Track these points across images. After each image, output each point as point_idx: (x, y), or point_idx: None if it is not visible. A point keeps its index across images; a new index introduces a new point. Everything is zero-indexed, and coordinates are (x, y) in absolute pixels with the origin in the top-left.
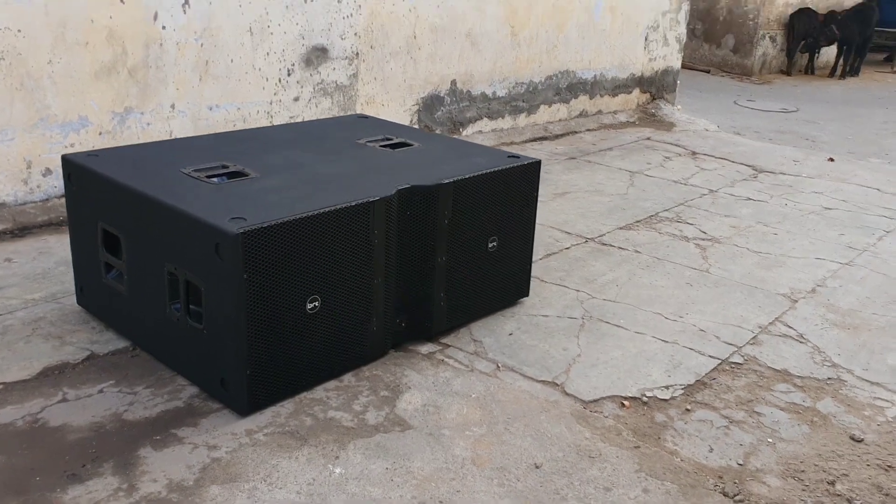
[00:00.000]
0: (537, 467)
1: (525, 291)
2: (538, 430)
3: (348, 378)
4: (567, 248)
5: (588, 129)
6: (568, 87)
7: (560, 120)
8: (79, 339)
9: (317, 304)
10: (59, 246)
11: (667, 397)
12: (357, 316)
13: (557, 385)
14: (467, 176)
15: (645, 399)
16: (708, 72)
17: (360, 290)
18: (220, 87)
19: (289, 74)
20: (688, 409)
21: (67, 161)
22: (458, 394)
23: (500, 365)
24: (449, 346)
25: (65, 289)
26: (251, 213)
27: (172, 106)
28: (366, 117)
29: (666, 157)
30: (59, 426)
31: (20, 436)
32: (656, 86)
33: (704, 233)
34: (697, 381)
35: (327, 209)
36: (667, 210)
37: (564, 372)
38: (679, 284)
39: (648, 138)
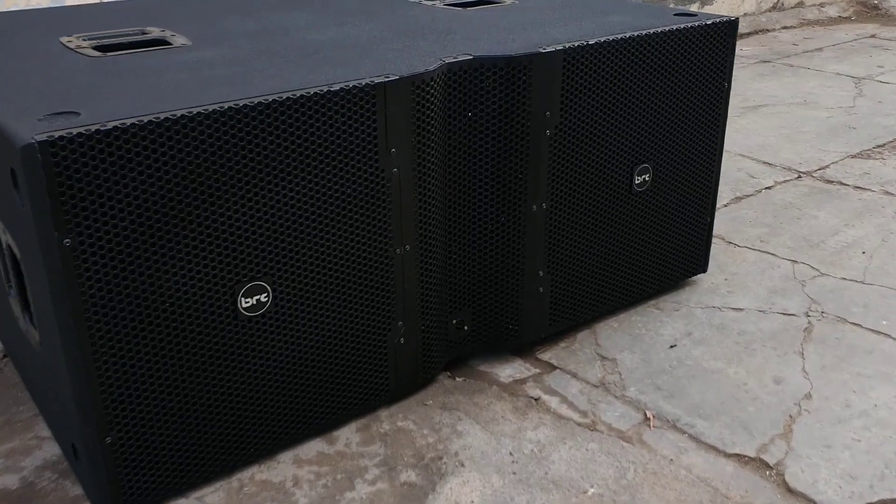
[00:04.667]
0: None
1: (701, 263)
2: None
3: (347, 435)
4: (769, 188)
5: (784, 27)
6: None
7: (745, 14)
8: None
9: (264, 296)
10: None
11: None
12: (361, 318)
13: (768, 466)
14: (591, 42)
15: None
16: None
17: (365, 268)
18: None
19: None
20: None
21: None
22: (558, 483)
23: (650, 414)
24: (553, 367)
25: None
26: (97, 107)
27: None
28: None
29: None
30: None
31: None
32: None
33: None
34: None
35: (270, 97)
36: None
37: (781, 436)
38: None
39: (873, 35)
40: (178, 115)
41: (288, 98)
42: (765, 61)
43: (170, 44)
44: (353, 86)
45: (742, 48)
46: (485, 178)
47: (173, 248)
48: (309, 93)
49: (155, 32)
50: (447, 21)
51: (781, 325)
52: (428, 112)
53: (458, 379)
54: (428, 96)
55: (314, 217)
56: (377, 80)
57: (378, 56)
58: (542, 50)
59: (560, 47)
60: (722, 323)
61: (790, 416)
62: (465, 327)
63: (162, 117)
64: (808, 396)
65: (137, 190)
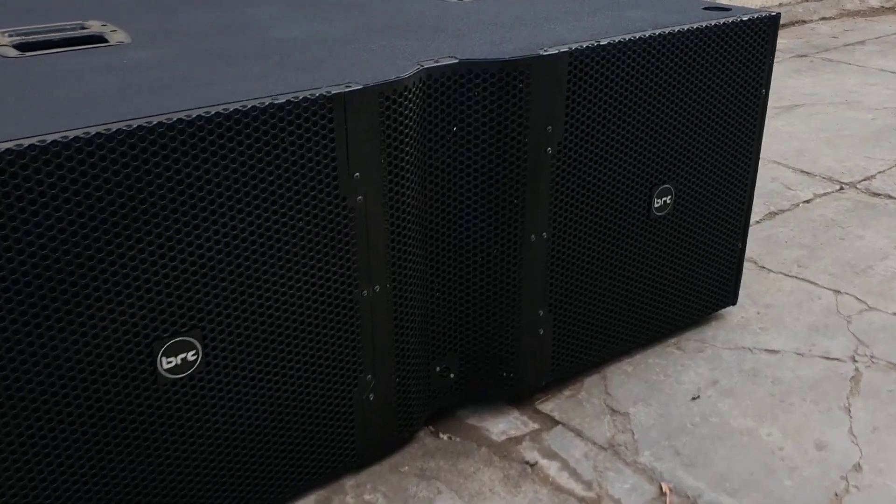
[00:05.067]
0: None
1: (730, 295)
2: None
3: None
4: (807, 202)
5: (823, 18)
6: None
7: (780, 4)
8: None
9: (192, 354)
10: None
11: None
12: (320, 374)
13: None
14: (603, 43)
15: None
16: None
17: (323, 315)
18: None
19: None
20: None
21: None
22: None
23: (666, 487)
24: (555, 421)
25: None
26: None
27: None
28: None
29: None
30: None
31: None
32: None
33: None
34: None
35: (194, 113)
36: None
37: None
38: None
39: None
40: (71, 136)
41: (217, 113)
42: (801, 56)
43: (106, 41)
44: (305, 98)
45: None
46: (474, 204)
47: (76, 298)
48: (245, 107)
49: (94, 27)
50: (438, 15)
51: (823, 371)
52: (401, 127)
53: (442, 436)
54: (401, 108)
55: (257, 256)
56: (335, 91)
57: (346, 59)
58: (542, 52)
59: (565, 49)
60: (753, 368)
61: (835, 495)
62: (452, 375)
63: (49, 140)
64: (858, 468)
65: (26, 226)
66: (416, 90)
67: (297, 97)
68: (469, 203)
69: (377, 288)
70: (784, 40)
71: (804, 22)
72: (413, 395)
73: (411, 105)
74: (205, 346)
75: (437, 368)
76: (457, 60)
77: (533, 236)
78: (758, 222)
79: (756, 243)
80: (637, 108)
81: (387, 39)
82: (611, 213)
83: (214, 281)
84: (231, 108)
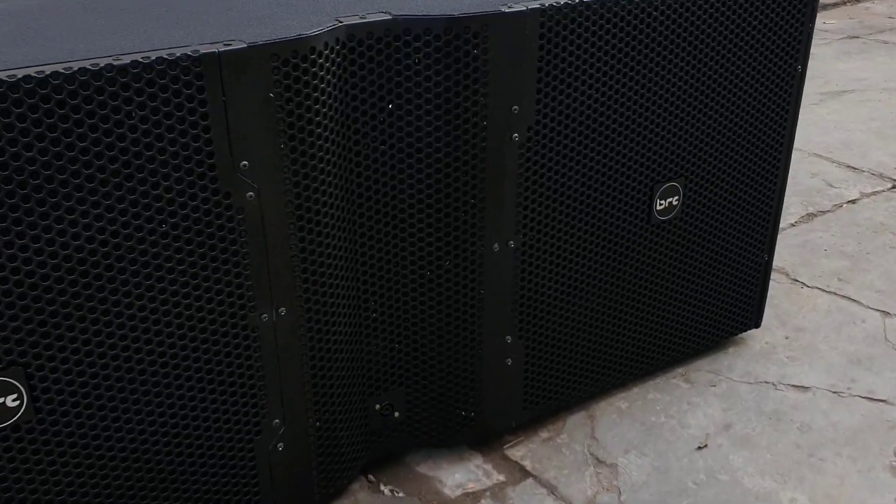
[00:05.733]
0: None
1: (752, 316)
2: None
3: None
4: (852, 202)
5: None
6: None
7: None
8: None
9: (14, 399)
10: None
11: None
12: (206, 422)
13: None
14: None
15: None
16: None
17: (206, 348)
18: None
19: None
20: None
21: None
22: None
23: None
24: (525, 472)
25: None
26: None
27: None
28: None
29: None
30: None
31: None
32: None
33: None
34: None
35: (19, 73)
36: None
37: None
38: None
39: None
40: None
41: (44, 77)
42: (853, 37)
43: None
44: (159, 58)
45: (825, 21)
46: (418, 203)
47: None
48: (70, 69)
49: None
50: None
51: (865, 417)
52: (310, 102)
53: (382, 488)
54: (308, 77)
55: (101, 275)
56: (204, 50)
57: (244, 14)
58: (505, 9)
59: (536, 4)
60: (777, 410)
61: None
62: (396, 414)
63: None
64: None
65: None
66: (333, 54)
67: (147, 58)
68: (412, 202)
69: (282, 311)
70: (834, 20)
71: (857, 1)
72: (342, 440)
73: (325, 74)
74: (31, 388)
75: (377, 406)
76: (390, 16)
77: (496, 245)
78: (793, 225)
79: (789, 250)
80: (634, 84)
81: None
82: (599, 215)
83: (41, 304)
84: (59, 70)
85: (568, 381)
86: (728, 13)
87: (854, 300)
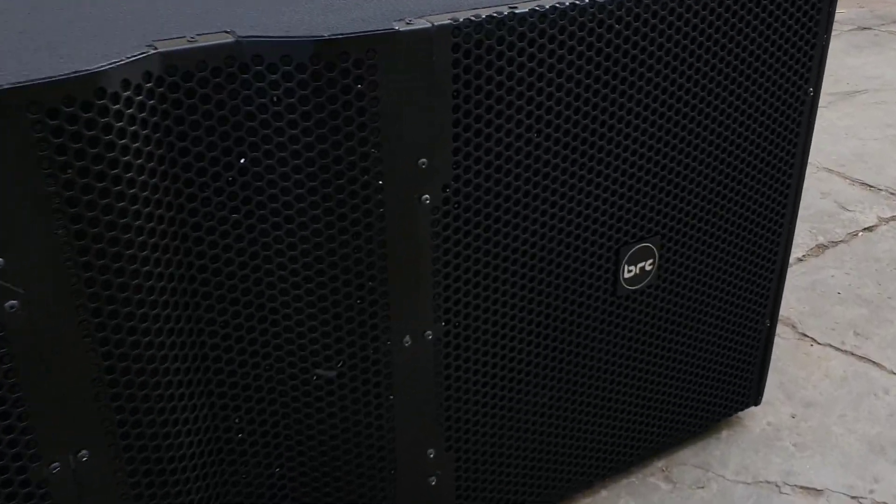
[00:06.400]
0: None
1: (750, 393)
2: None
3: None
4: (869, 230)
5: None
6: None
7: None
8: None
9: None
10: None
11: None
12: None
13: None
14: (521, 9)
15: None
16: None
17: None
18: None
19: None
20: None
21: None
22: None
23: None
24: None
25: None
26: None
27: None
28: None
29: None
30: None
31: None
32: None
33: None
34: None
35: None
36: None
37: None
38: None
39: None
40: None
41: None
42: (864, 28)
43: None
44: None
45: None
46: (293, 290)
47: None
48: None
49: None
50: None
51: None
52: (103, 166)
53: None
54: (96, 132)
55: None
56: None
57: (34, 36)
58: (401, 27)
59: (446, 20)
60: None
61: None
62: None
63: None
64: None
65: None
66: (141, 95)
67: None
68: (283, 287)
69: (83, 455)
70: (843, 9)
71: None
72: None
73: (127, 124)
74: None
75: None
76: (232, 39)
77: (408, 338)
78: (800, 259)
79: (796, 294)
80: (591, 122)
81: (150, 3)
82: (548, 290)
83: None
84: None
85: (515, 493)
86: (717, 24)
87: (875, 363)
